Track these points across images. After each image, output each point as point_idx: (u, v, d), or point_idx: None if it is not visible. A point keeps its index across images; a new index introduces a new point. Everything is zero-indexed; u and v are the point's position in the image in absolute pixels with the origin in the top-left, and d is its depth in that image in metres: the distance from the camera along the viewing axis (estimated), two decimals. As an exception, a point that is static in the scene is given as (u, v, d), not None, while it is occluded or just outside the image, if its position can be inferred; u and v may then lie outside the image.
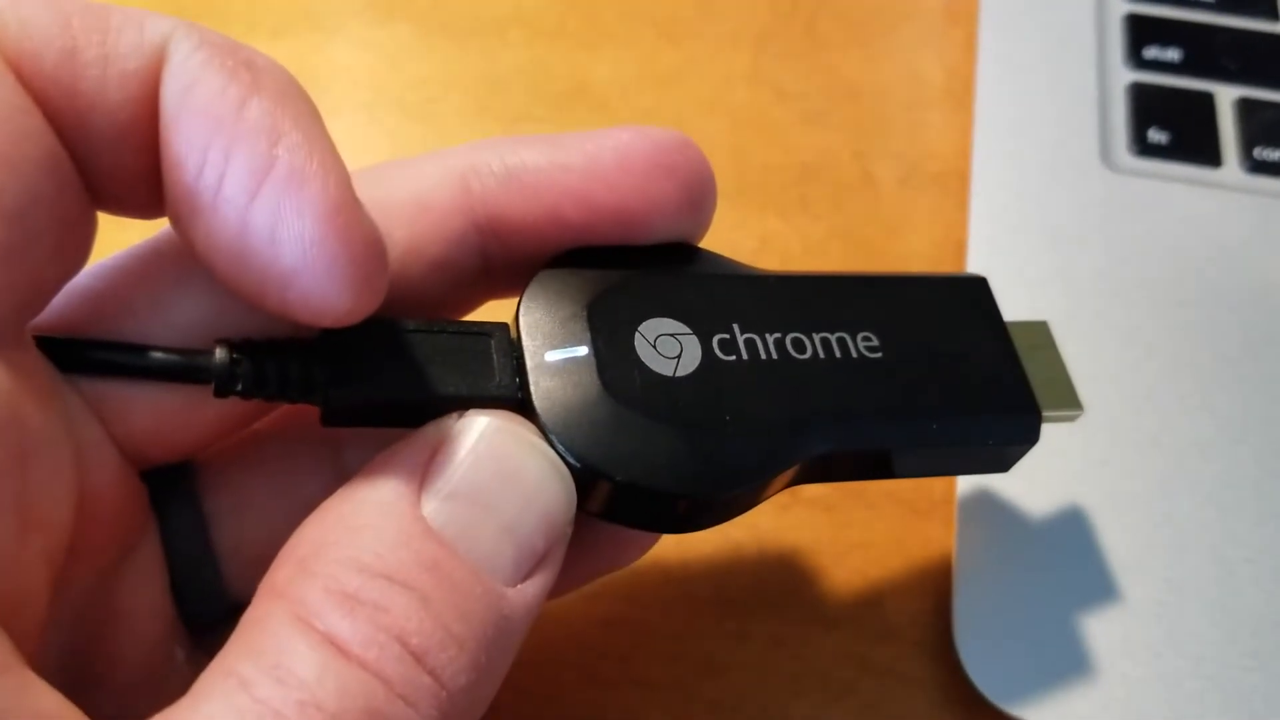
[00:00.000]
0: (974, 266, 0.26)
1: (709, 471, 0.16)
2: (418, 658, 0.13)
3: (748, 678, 0.22)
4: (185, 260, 0.16)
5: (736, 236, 0.28)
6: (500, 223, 0.17)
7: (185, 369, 0.16)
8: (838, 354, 0.18)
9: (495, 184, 0.17)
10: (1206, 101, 0.29)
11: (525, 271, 0.18)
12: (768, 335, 0.18)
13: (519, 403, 0.17)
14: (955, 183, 0.29)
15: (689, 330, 0.18)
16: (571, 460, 0.16)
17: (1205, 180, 0.28)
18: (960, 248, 0.27)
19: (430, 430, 0.15)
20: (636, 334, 0.17)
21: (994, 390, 0.19)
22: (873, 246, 0.28)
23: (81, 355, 0.16)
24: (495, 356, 0.17)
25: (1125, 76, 0.30)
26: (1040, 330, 0.21)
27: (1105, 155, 0.28)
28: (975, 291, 0.21)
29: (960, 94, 0.31)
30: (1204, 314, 0.26)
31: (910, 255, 0.28)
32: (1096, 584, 0.22)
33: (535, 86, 0.32)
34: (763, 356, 0.18)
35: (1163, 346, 0.25)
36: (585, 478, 0.16)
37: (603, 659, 0.22)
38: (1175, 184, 0.28)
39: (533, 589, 0.15)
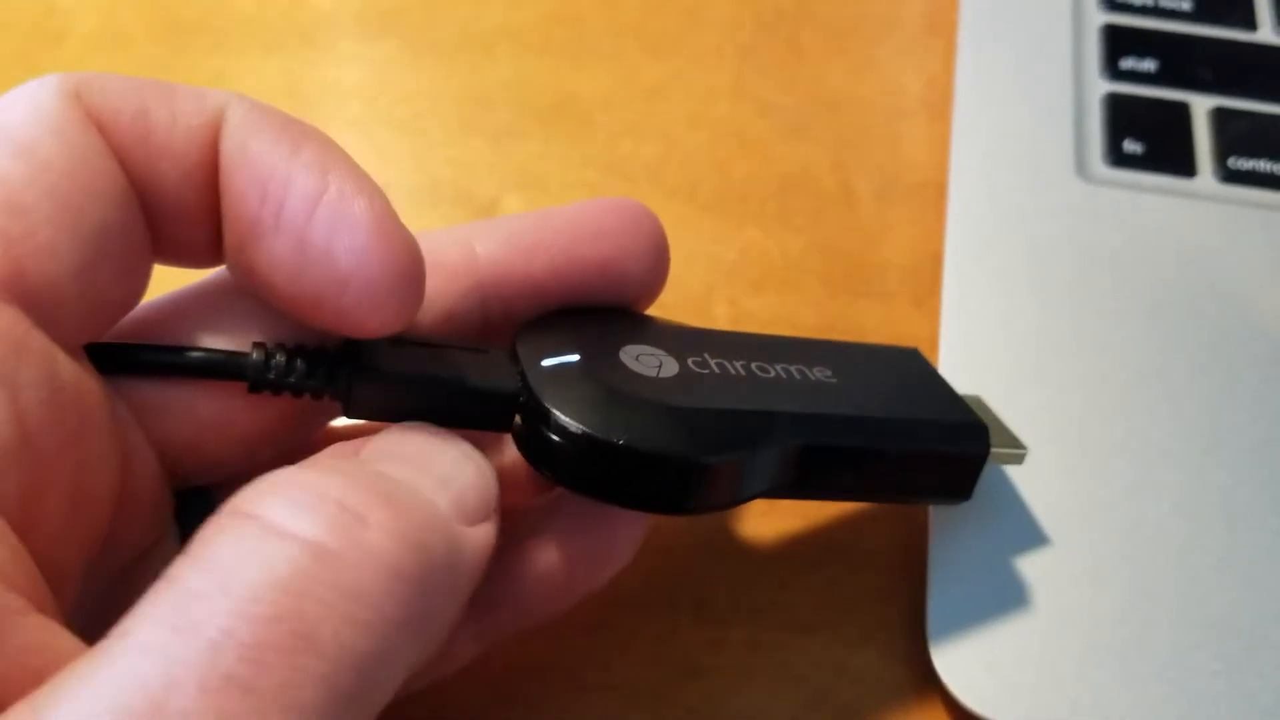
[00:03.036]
0: (949, 277, 0.27)
1: (699, 439, 0.18)
2: (359, 517, 0.14)
3: (726, 682, 0.22)
4: (218, 299, 0.19)
5: (717, 249, 0.29)
6: (503, 279, 0.20)
7: (223, 365, 0.18)
8: (798, 377, 0.21)
9: (496, 246, 0.20)
10: (1182, 111, 0.30)
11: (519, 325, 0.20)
12: (735, 361, 0.20)
13: (519, 398, 0.18)
14: (933, 194, 0.30)
15: (666, 353, 0.20)
16: (575, 429, 0.17)
17: (1179, 190, 0.28)
18: (937, 259, 0.28)
19: (352, 441, 0.17)
20: (620, 351, 0.19)
21: (942, 411, 0.22)
22: (851, 258, 0.29)
23: (129, 357, 0.17)
24: (496, 365, 0.19)
25: (1101, 87, 0.30)
26: (975, 401, 0.23)
27: (1080, 166, 0.29)
28: (912, 356, 0.23)
29: (939, 105, 0.31)
30: (1176, 323, 0.26)
31: (888, 266, 0.29)
32: (1066, 590, 0.23)
33: (521, 101, 0.32)
34: (733, 373, 0.20)
35: (1135, 355, 0.26)
36: (585, 448, 0.18)
37: (583, 664, 0.23)
38: (1149, 194, 0.28)
39: (475, 534, 0.16)
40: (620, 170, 0.30)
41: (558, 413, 0.18)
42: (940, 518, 0.23)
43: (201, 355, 0.18)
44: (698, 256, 0.29)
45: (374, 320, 0.17)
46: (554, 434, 0.18)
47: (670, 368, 0.19)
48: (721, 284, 0.28)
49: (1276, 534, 0.23)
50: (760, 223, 0.29)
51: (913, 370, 0.23)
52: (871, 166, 0.30)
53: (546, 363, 0.19)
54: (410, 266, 0.17)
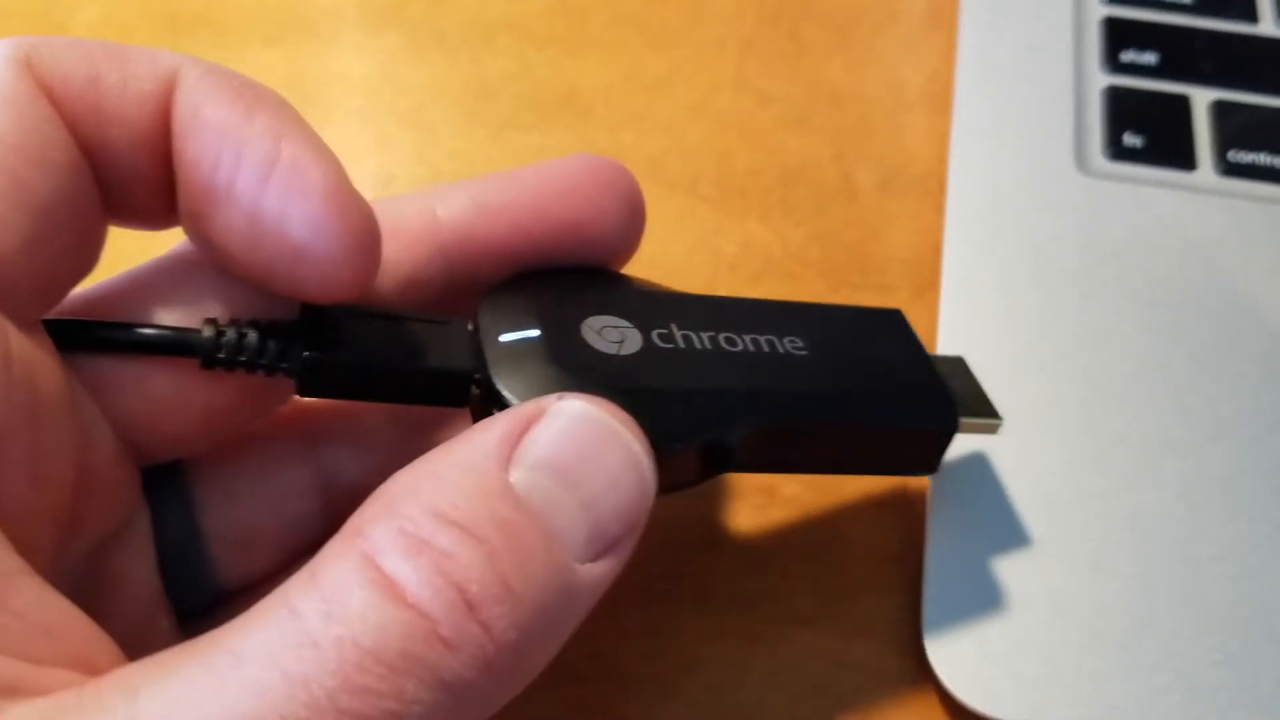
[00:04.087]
0: (949, 269, 0.27)
1: (653, 425, 0.17)
2: (471, 606, 0.14)
3: (724, 673, 0.23)
4: (180, 273, 0.19)
5: (718, 240, 0.29)
6: (466, 242, 0.20)
7: (174, 343, 0.18)
8: (766, 349, 0.20)
9: (460, 210, 0.20)
10: (1182, 104, 0.30)
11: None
12: (703, 332, 0.20)
13: (474, 377, 0.18)
14: (934, 186, 0.30)
15: (630, 324, 0.19)
16: None
17: (1179, 183, 0.28)
18: (937, 251, 0.28)
19: (528, 406, 0.17)
20: (583, 324, 0.19)
21: (913, 384, 0.21)
22: (852, 250, 0.29)
23: (82, 334, 0.17)
24: (454, 340, 0.19)
25: (1102, 80, 0.30)
26: (958, 362, 0.23)
27: (1080, 159, 0.29)
28: (893, 319, 0.23)
29: (940, 98, 0.31)
30: (1176, 315, 0.26)
31: (889, 259, 0.29)
32: (1064, 581, 0.23)
33: (523, 93, 0.32)
34: (698, 347, 0.20)
35: (1135, 347, 0.26)
36: None
37: (582, 654, 0.23)
38: (1149, 187, 0.28)
39: (600, 570, 0.16)
40: (621, 162, 0.30)
41: (510, 396, 0.18)
42: (938, 508, 0.23)
43: (152, 332, 0.18)
44: (699, 248, 0.29)
45: (330, 289, 0.17)
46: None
47: (633, 343, 0.19)
48: (723, 276, 0.28)
49: (1277, 525, 0.23)
50: (761, 215, 0.29)
51: (891, 337, 0.22)
52: (873, 159, 0.31)
53: (505, 338, 0.19)
54: (365, 235, 0.17)
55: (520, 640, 0.15)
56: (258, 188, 0.16)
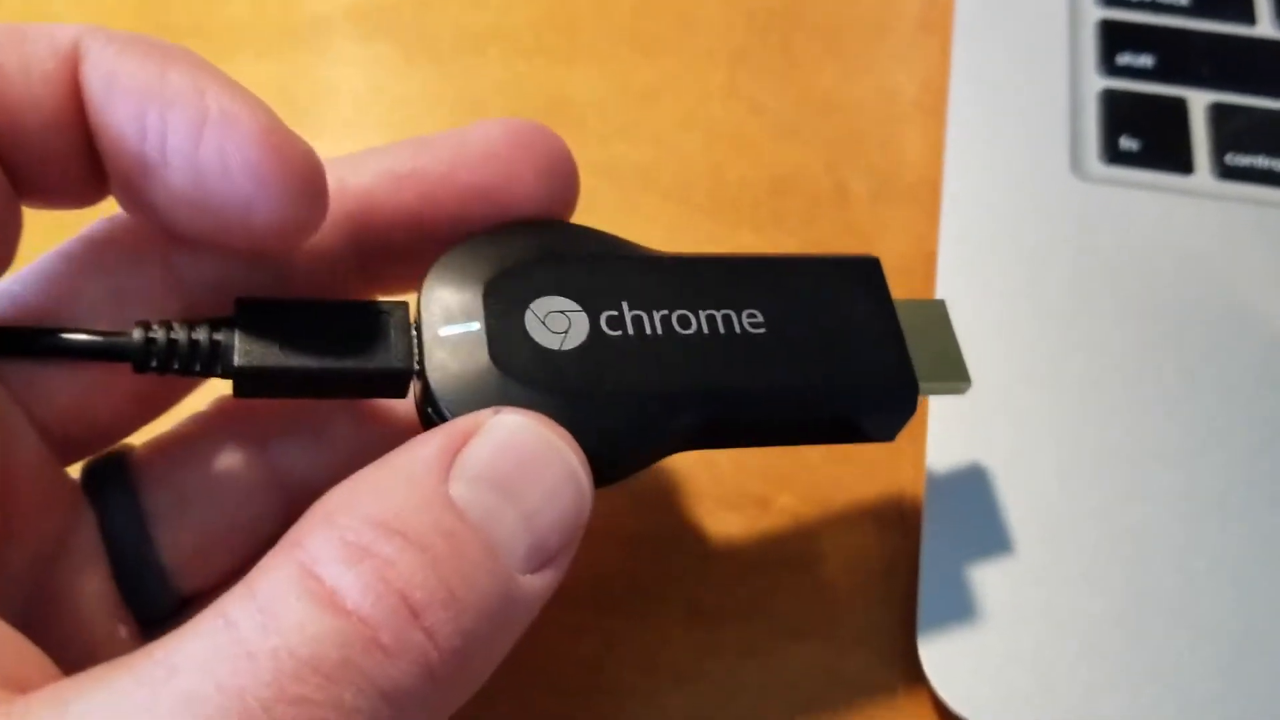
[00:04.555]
0: (943, 277, 0.27)
1: (585, 436, 0.17)
2: (415, 613, 0.14)
3: (717, 688, 0.22)
4: (92, 255, 0.18)
5: (710, 250, 0.29)
6: (373, 211, 0.19)
7: (106, 349, 0.17)
8: (721, 330, 0.19)
9: (368, 177, 0.19)
10: (1179, 108, 0.30)
11: (405, 263, 0.20)
12: (655, 312, 0.19)
13: (414, 373, 0.18)
14: (928, 194, 0.29)
15: (578, 307, 0.19)
16: None
17: (1176, 187, 0.28)
18: (931, 259, 0.27)
19: (465, 420, 0.16)
20: (528, 311, 0.18)
21: (873, 363, 0.20)
22: (844, 258, 0.28)
23: (8, 341, 0.17)
24: (394, 332, 0.18)
25: (1097, 84, 0.30)
26: (937, 307, 0.22)
27: (1075, 164, 0.29)
28: (867, 271, 0.21)
29: (934, 105, 0.31)
30: (1172, 322, 0.26)
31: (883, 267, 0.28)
32: (1059, 593, 0.22)
33: (515, 103, 0.32)
34: (647, 332, 0.19)
35: (1131, 355, 0.25)
36: None
37: (573, 667, 0.23)
38: (1145, 191, 0.28)
39: (540, 582, 0.16)
40: (613, 173, 0.30)
41: (446, 405, 0.17)
42: (933, 520, 0.23)
43: (83, 338, 0.17)
44: (690, 259, 0.29)
45: (284, 235, 0.17)
46: (439, 420, 0.17)
47: (579, 331, 0.18)
48: (714, 286, 0.28)
49: (1271, 536, 0.23)
50: (754, 225, 0.29)
51: (860, 294, 0.21)
52: (866, 167, 0.30)
53: (445, 332, 0.18)
54: (309, 173, 0.17)
55: (464, 647, 0.14)
56: (192, 147, 0.16)
